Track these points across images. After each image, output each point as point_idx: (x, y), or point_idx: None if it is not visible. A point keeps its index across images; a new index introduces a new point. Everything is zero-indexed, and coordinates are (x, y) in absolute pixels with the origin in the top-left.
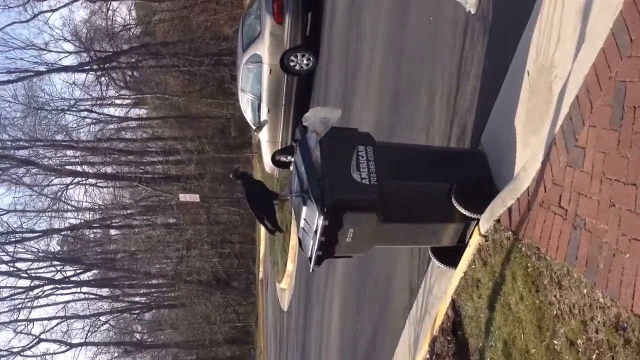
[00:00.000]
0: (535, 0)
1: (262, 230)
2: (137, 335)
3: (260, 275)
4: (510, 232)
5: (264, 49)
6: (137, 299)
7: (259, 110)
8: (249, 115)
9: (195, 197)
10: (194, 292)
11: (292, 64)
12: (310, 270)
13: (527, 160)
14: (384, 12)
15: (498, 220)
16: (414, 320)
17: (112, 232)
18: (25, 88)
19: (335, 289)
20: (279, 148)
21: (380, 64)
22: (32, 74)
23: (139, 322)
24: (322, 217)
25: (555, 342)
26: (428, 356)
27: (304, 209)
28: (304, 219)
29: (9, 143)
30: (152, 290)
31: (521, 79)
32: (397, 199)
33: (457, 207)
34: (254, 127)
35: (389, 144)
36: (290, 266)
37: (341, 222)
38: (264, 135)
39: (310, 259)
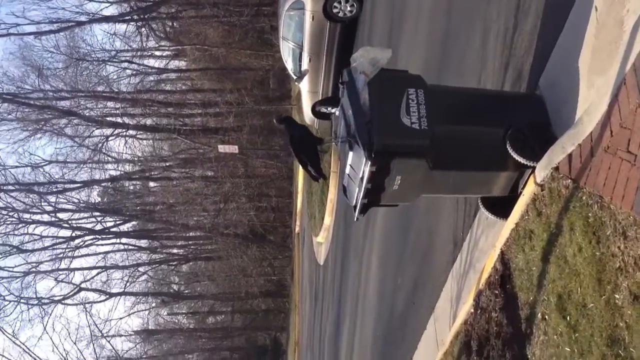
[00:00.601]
0: None
1: (300, 183)
2: (175, 287)
3: (297, 229)
4: (569, 180)
5: None
6: (175, 250)
7: (300, 60)
8: (289, 65)
9: (234, 149)
10: (231, 245)
11: (335, 10)
12: (355, 219)
13: (591, 103)
14: None
15: (556, 168)
16: (457, 274)
17: (151, 184)
18: (66, 38)
19: (374, 242)
20: (320, 99)
21: (430, 1)
22: (73, 24)
23: (177, 274)
24: (369, 163)
25: (617, 296)
26: (472, 310)
27: (350, 154)
28: (350, 165)
29: (51, 94)
30: (190, 242)
31: (587, 16)
32: (448, 145)
33: (511, 153)
34: (294, 77)
35: (440, 86)
36: (328, 219)
37: (389, 168)
38: (304, 86)
39: (355, 207)
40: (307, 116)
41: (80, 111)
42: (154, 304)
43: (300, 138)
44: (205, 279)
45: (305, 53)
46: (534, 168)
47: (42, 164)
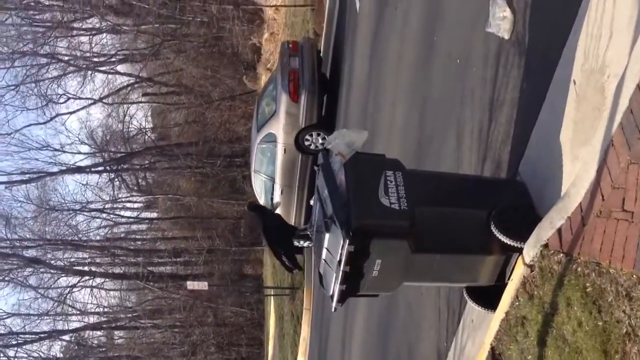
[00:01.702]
0: (579, 4)
1: (272, 329)
2: None
3: None
4: (561, 255)
5: (278, 127)
6: None
7: (272, 192)
8: (262, 198)
9: (203, 285)
10: None
11: (307, 143)
12: (333, 310)
13: (576, 175)
14: (407, 65)
15: (545, 245)
16: None
17: (117, 335)
18: (37, 188)
19: None
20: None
21: (402, 116)
22: (45, 174)
23: None
24: (347, 242)
25: None
26: None
27: (327, 237)
28: (326, 249)
29: (18, 242)
30: None
31: (566, 92)
32: (430, 226)
33: (497, 235)
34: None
35: (419, 171)
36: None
37: (368, 250)
38: None
39: (332, 296)
40: None
41: (47, 260)
42: None
43: (274, 227)
44: None
45: (277, 185)
46: (521, 250)
47: (4, 316)
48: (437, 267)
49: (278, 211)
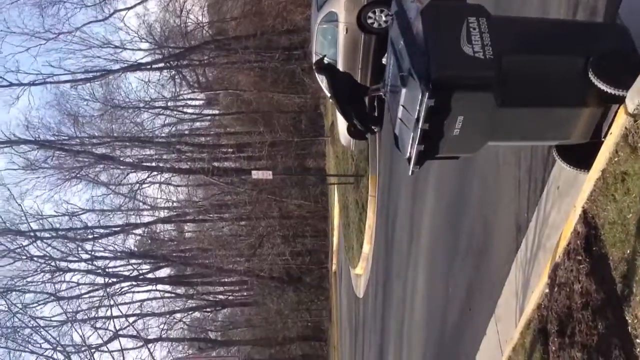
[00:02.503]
0: None
1: (336, 220)
2: (211, 334)
3: (334, 267)
4: None
5: (339, 5)
6: (211, 297)
7: None
8: (323, 83)
9: (268, 174)
10: (266, 289)
11: (370, 21)
12: (410, 173)
13: None
14: None
15: None
16: (522, 261)
17: (186, 228)
18: (102, 86)
19: (419, 255)
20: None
21: None
22: (108, 72)
23: (213, 321)
24: (426, 95)
25: None
26: (547, 290)
27: (403, 92)
28: (402, 106)
29: (87, 140)
30: (225, 287)
31: None
32: (518, 77)
33: (596, 83)
34: (329, 95)
35: (505, 16)
36: (367, 247)
37: (449, 105)
38: None
39: (409, 159)
40: (343, 136)
41: (116, 156)
42: (190, 351)
43: (344, 86)
44: (242, 325)
45: (340, 68)
46: (622, 99)
47: (79, 212)
48: (525, 122)
49: None
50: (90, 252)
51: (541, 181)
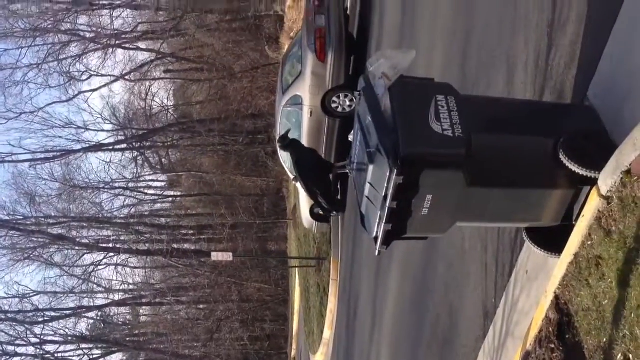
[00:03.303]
0: None
1: (297, 303)
2: None
3: (293, 352)
4: None
5: (304, 89)
6: None
7: None
8: (287, 164)
9: (228, 256)
10: None
11: (334, 105)
12: (376, 253)
13: None
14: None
15: (627, 172)
16: (490, 349)
17: (141, 312)
18: (61, 166)
19: (382, 342)
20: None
21: (441, 59)
22: (69, 152)
23: None
24: (395, 172)
25: None
26: None
27: (371, 169)
28: (370, 183)
29: (42, 220)
30: None
31: None
32: (488, 156)
33: (567, 164)
34: (292, 176)
35: (474, 96)
36: (328, 332)
37: (418, 183)
38: (302, 189)
39: (375, 238)
40: (306, 219)
41: (72, 237)
42: None
43: (308, 163)
44: None
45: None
46: (594, 181)
47: (30, 294)
48: (495, 203)
49: None
50: (39, 336)
51: (509, 265)
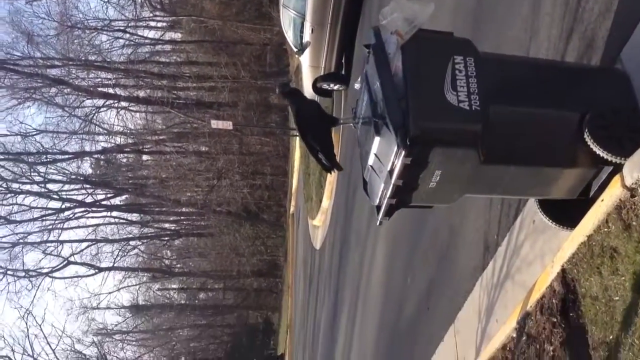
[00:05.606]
0: None
1: (297, 163)
2: (166, 262)
3: (292, 209)
4: None
5: None
6: (167, 225)
7: (301, 30)
8: (290, 36)
9: (227, 124)
10: (223, 223)
11: None
12: (378, 223)
13: None
14: None
15: None
16: (488, 283)
17: (144, 157)
18: (58, 4)
19: (380, 233)
20: (322, 74)
21: None
22: None
23: (168, 249)
24: (402, 153)
25: None
26: (514, 335)
27: (376, 140)
28: (375, 154)
29: (41, 61)
30: (182, 217)
31: None
32: (505, 130)
33: (592, 146)
34: (295, 50)
35: (495, 55)
36: (326, 202)
37: (427, 160)
38: (305, 59)
39: (378, 208)
40: (308, 92)
41: (71, 80)
42: (144, 279)
43: (309, 116)
44: (197, 255)
45: (308, 23)
46: (619, 166)
47: (33, 133)
48: (509, 179)
49: (307, 52)
50: (43, 175)
51: (515, 208)
